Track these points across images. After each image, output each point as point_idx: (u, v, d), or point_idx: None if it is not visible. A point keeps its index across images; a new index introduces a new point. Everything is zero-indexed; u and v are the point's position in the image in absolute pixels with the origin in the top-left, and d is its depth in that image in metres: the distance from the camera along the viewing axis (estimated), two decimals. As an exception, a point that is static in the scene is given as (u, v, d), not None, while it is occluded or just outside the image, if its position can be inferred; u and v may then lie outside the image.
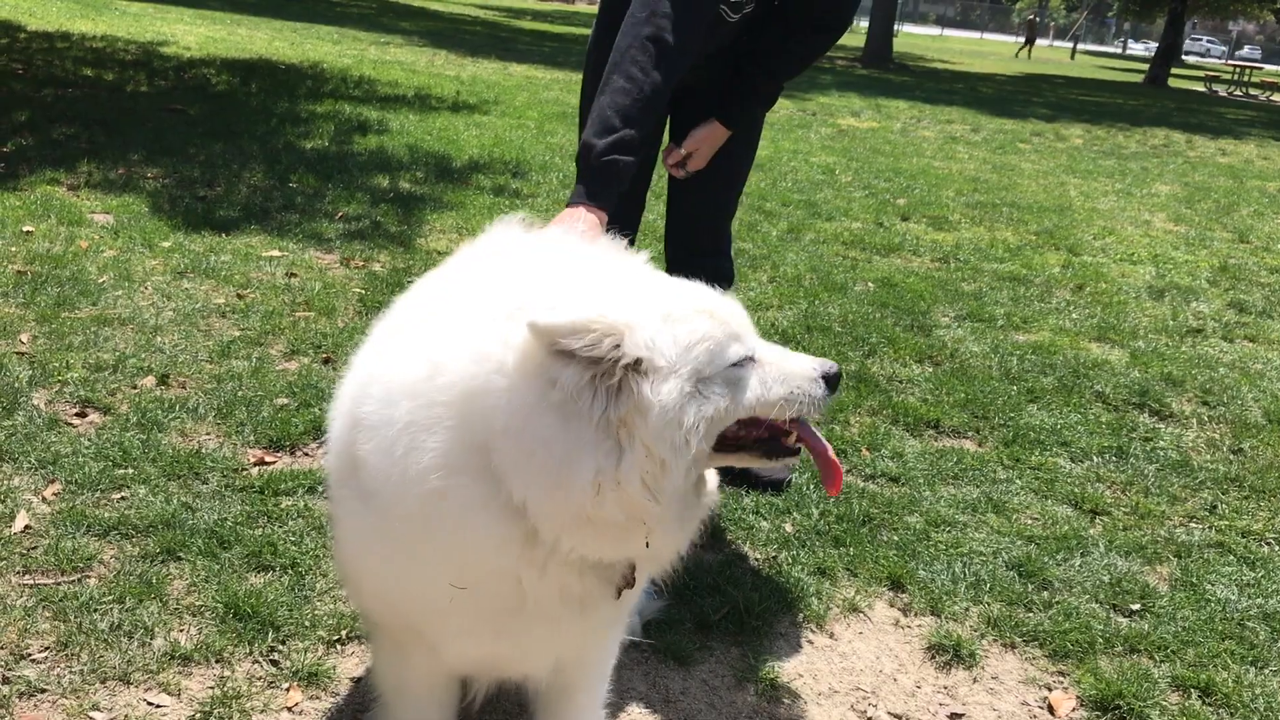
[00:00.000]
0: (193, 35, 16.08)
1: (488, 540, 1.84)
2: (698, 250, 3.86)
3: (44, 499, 3.36)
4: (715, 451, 1.94)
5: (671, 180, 3.78)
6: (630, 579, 1.98)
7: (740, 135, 3.61)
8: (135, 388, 4.17)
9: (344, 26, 21.05)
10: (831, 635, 3.16)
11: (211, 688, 2.65)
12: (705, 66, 3.50)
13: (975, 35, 74.94)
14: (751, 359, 1.96)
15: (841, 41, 33.66)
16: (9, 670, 2.63)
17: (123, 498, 3.41)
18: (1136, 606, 3.39)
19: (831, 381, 2.01)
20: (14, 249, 5.56)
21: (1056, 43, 66.64)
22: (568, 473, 1.76)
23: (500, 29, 26.89)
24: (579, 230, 2.66)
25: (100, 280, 5.24)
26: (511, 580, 1.89)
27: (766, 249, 7.19)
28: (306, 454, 3.84)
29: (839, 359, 5.20)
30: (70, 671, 2.65)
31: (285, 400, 4.18)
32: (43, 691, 2.58)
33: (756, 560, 3.48)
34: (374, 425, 1.92)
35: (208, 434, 3.89)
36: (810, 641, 3.12)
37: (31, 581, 2.96)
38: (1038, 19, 56.05)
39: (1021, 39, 52.36)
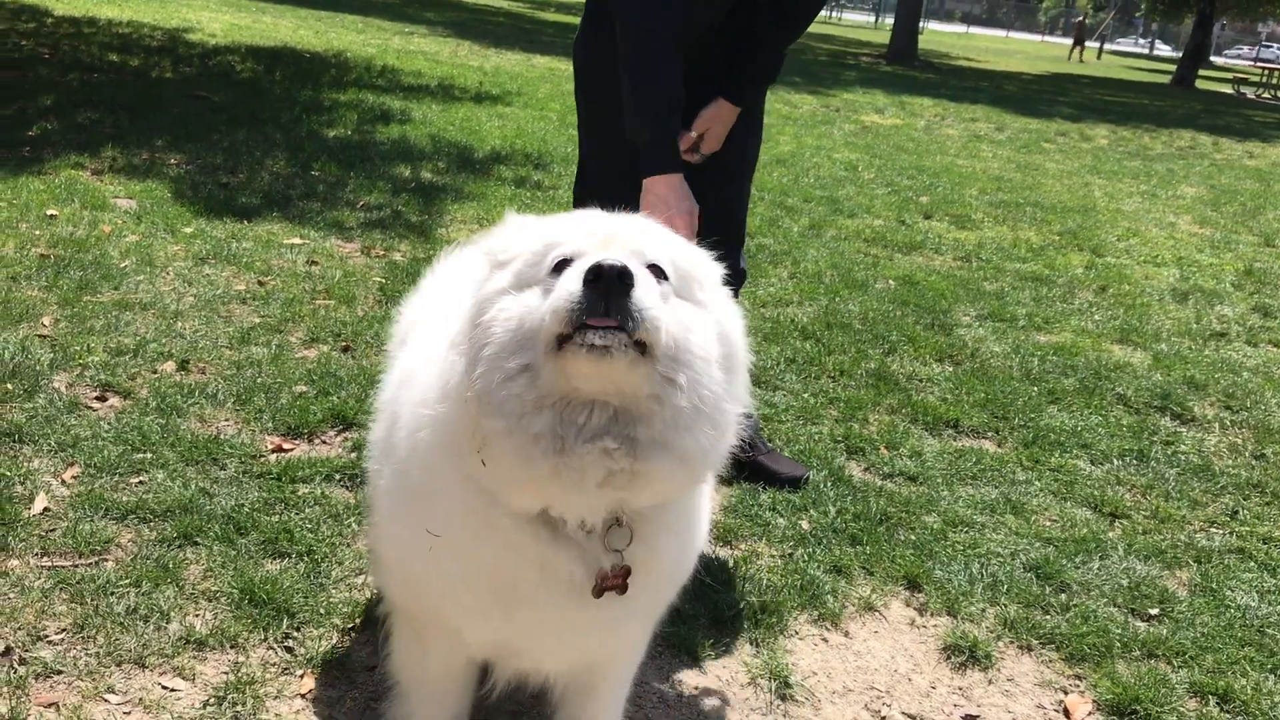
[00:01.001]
0: (218, 22, 16.13)
1: (444, 476, 1.87)
2: (710, 248, 3.79)
3: (63, 481, 3.37)
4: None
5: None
6: (613, 578, 1.89)
7: (744, 119, 3.54)
8: (155, 373, 4.18)
9: (368, 16, 21.09)
10: (847, 634, 3.15)
11: (226, 673, 2.66)
12: (700, 47, 3.43)
13: (1001, 33, 74.57)
14: (570, 264, 1.75)
15: (866, 38, 33.45)
16: (26, 651, 2.64)
17: (141, 482, 3.42)
18: (1155, 611, 3.36)
19: (590, 277, 1.63)
20: (38, 232, 5.59)
21: (1094, 42, 66.16)
22: (449, 374, 1.80)
23: (524, 20, 26.90)
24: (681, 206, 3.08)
25: (122, 265, 5.26)
26: (475, 534, 1.88)
27: (787, 245, 7.16)
28: (324, 442, 3.85)
29: (859, 356, 5.18)
30: (86, 654, 2.66)
31: (304, 388, 4.18)
32: (59, 673, 2.59)
33: (772, 557, 3.47)
34: (414, 379, 2.03)
35: (226, 420, 3.90)
36: (825, 640, 3.11)
37: (49, 563, 2.97)
38: (1086, 20, 55.19)
39: (1071, 40, 51.69)
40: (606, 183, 3.67)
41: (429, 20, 22.25)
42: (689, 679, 2.87)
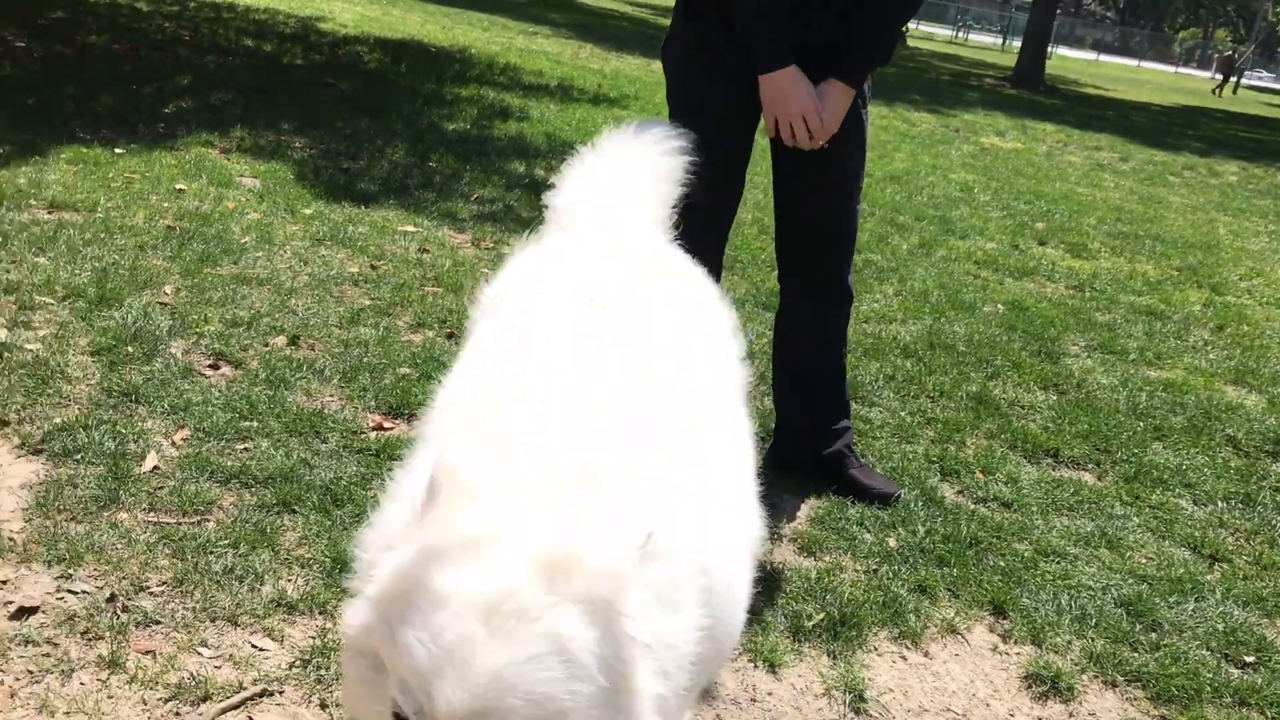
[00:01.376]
0: (349, 13, 16.54)
1: None
2: (819, 272, 3.75)
3: (173, 443, 3.51)
4: None
5: (780, 189, 3.67)
6: None
7: (846, 128, 3.47)
8: (267, 345, 4.33)
9: (495, 14, 21.43)
10: (926, 654, 3.11)
11: (313, 637, 2.74)
12: (808, 27, 3.39)
13: (1133, 63, 72.61)
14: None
15: (992, 60, 32.61)
16: (129, 600, 2.76)
17: (246, 449, 3.54)
18: (1251, 659, 3.26)
19: None
20: (166, 205, 5.81)
21: (1219, 76, 64.08)
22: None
23: (647, 26, 27.03)
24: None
25: (243, 241, 5.45)
26: None
27: (895, 262, 7.09)
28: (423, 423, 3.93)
29: (960, 378, 5.11)
30: (183, 608, 2.77)
31: (408, 370, 4.28)
32: (157, 623, 2.70)
33: (856, 571, 3.44)
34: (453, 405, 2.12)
35: (331, 396, 4.01)
36: (904, 658, 3.08)
37: (155, 519, 3.10)
38: (1235, 54, 52.62)
39: (1219, 76, 49.47)
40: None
41: (553, 21, 22.52)
42: (763, 684, 2.87)
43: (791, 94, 3.33)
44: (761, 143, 3.68)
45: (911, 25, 41.48)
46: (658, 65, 3.69)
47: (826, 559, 3.50)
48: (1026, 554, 3.66)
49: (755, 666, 2.93)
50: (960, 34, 58.06)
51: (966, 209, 9.28)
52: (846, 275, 3.80)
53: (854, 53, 3.41)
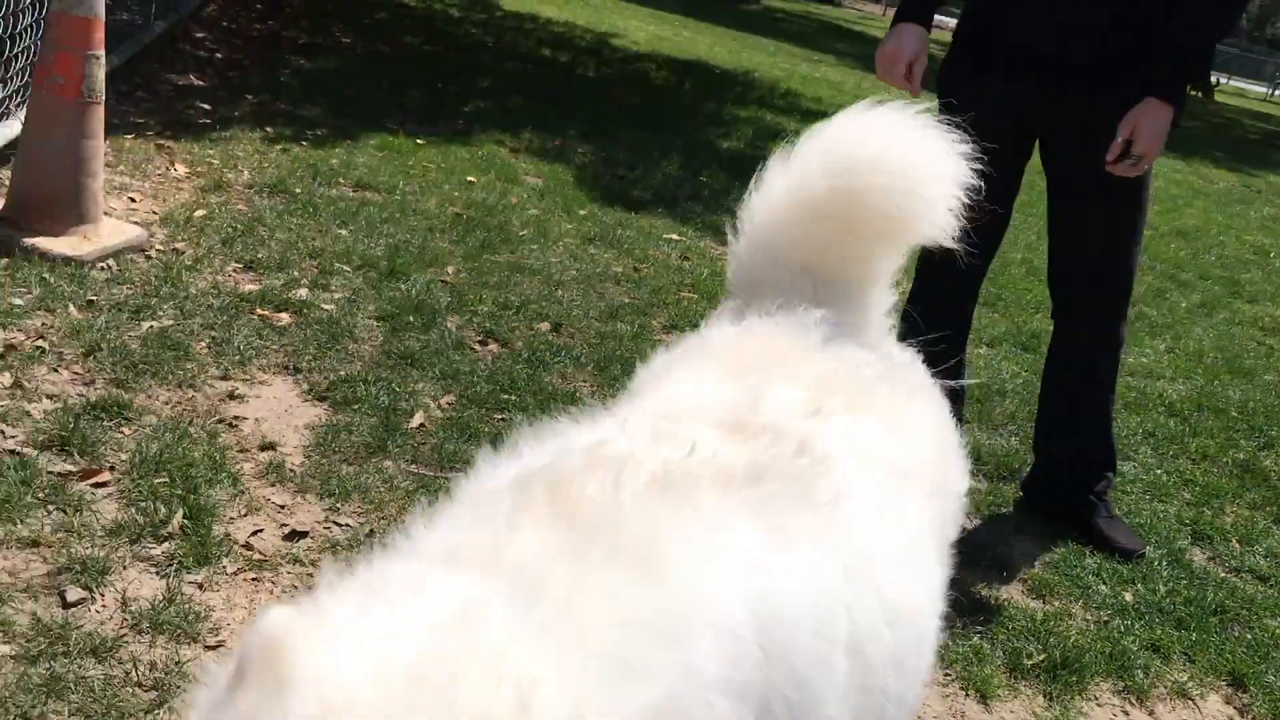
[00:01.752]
0: (643, 31, 17.11)
1: None
2: (1090, 315, 3.64)
3: (439, 405, 3.79)
4: None
5: (1057, 224, 3.55)
6: None
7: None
8: (531, 330, 4.59)
9: (781, 41, 21.64)
10: (1151, 713, 2.99)
11: (543, 597, 2.91)
12: (1107, 37, 3.24)
13: None
14: None
15: (1310, 121, 29.61)
16: (385, 537, 3.02)
17: (502, 418, 3.79)
18: None
19: None
20: (457, 194, 6.24)
21: None
22: None
23: (934, 61, 26.61)
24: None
25: (521, 233, 5.79)
26: None
27: (1172, 319, 6.76)
28: (666, 418, 4.09)
29: (1227, 444, 4.83)
30: (432, 552, 3.01)
31: (657, 367, 4.45)
32: (407, 563, 2.95)
33: (1085, 620, 3.34)
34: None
35: (584, 381, 4.23)
36: (1126, 713, 2.98)
37: (416, 470, 3.37)
38: None
39: None
40: None
41: (839, 51, 22.51)
42: (972, 712, 2.84)
43: (900, 37, 3.42)
44: (1040, 184, 3.63)
45: (1222, 79, 38.92)
46: (938, 100, 3.67)
47: (1055, 603, 3.41)
48: (1278, 631, 3.45)
49: (966, 694, 2.91)
50: (1276, 92, 54.11)
51: (1259, 273, 8.71)
52: (1119, 320, 3.67)
53: (1160, 64, 3.20)
